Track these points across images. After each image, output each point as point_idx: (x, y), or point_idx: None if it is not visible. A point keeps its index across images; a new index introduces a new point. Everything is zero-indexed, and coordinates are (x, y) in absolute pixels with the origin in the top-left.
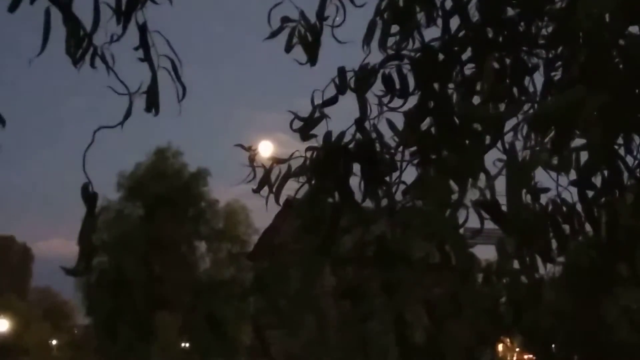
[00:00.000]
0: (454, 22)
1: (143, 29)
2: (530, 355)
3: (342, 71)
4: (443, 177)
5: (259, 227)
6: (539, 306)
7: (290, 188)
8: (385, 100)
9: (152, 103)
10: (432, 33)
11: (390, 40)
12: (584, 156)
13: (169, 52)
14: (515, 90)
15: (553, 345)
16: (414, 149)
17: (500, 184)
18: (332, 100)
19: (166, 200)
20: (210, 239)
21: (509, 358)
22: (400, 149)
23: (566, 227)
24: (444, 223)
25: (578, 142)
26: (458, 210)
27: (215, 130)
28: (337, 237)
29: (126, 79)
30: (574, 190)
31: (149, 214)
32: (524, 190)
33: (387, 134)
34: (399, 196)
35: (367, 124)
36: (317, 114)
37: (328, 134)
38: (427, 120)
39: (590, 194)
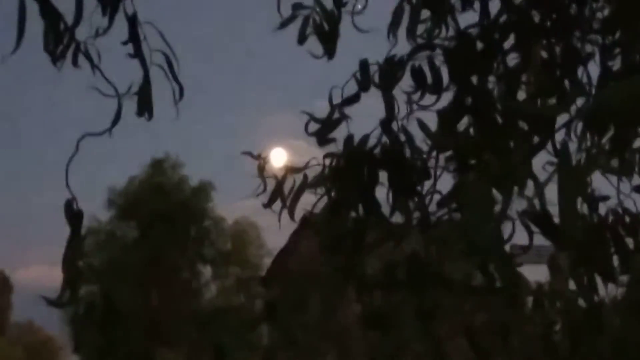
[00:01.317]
0: (494, 5)
1: (133, 21)
2: None
3: (364, 64)
4: (484, 185)
5: (272, 248)
6: (599, 334)
7: (307, 202)
8: (415, 97)
9: (145, 106)
10: (468, 18)
11: (420, 28)
12: None
13: (163, 47)
14: (566, 82)
15: None
16: (449, 153)
17: (552, 192)
18: (354, 99)
19: (164, 219)
20: (216, 263)
21: None
22: (434, 153)
23: (629, 241)
24: (486, 239)
25: None
26: (502, 223)
27: (220, 137)
28: (363, 257)
29: (115, 79)
30: (638, 197)
31: (145, 235)
32: (580, 199)
33: (418, 137)
34: (433, 208)
35: (394, 125)
36: (336, 115)
37: (349, 138)
38: (465, 120)
39: None
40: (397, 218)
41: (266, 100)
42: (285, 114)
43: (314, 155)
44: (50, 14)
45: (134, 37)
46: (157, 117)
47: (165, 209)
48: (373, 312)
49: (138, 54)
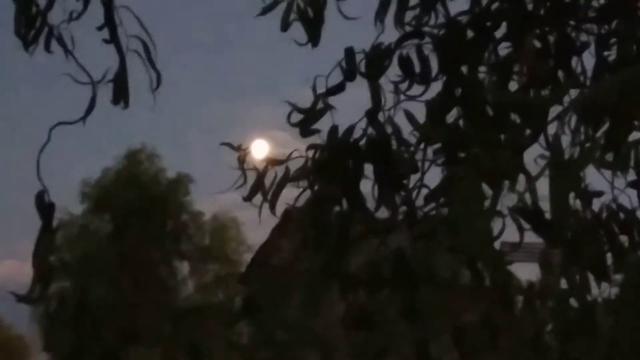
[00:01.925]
0: None
1: (108, 5)
2: None
3: (350, 53)
4: (473, 180)
5: (252, 244)
6: (592, 334)
7: (289, 196)
8: (403, 87)
9: (120, 94)
10: (459, 5)
11: (409, 15)
12: None
13: (140, 32)
14: (560, 73)
15: None
16: (438, 145)
17: (543, 187)
18: (339, 88)
19: (140, 213)
20: (194, 259)
21: None
22: (422, 146)
23: (624, 238)
24: (475, 235)
25: (637, 135)
26: (492, 219)
27: (199, 127)
28: (346, 254)
29: (89, 66)
30: (633, 193)
31: (120, 230)
32: (572, 194)
33: (406, 128)
34: (420, 203)
35: (380, 116)
36: (320, 105)
37: (334, 129)
38: (454, 111)
39: None
40: (383, 213)
41: (247, 89)
42: (267, 104)
43: (297, 147)
44: None
45: (109, 22)
46: (133, 106)
47: (140, 203)
48: (357, 311)
49: (114, 39)
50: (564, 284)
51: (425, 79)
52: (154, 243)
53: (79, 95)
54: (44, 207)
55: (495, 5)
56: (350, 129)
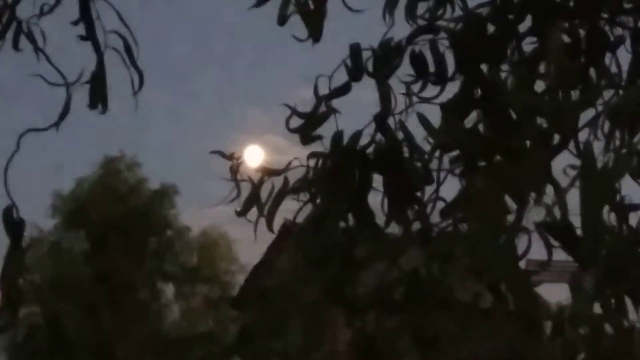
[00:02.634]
0: None
1: None
2: None
3: (356, 49)
4: (496, 192)
5: (246, 264)
6: None
7: (288, 209)
8: (416, 88)
9: (98, 96)
10: None
11: (422, 7)
12: None
13: (119, 27)
14: (592, 72)
15: None
16: (455, 153)
17: (574, 199)
18: (343, 89)
19: (119, 229)
20: (180, 280)
21: None
22: (437, 154)
23: None
24: (497, 254)
25: None
26: (517, 236)
27: (185, 133)
28: (353, 275)
29: (63, 66)
30: None
31: (96, 248)
32: (606, 208)
33: (419, 134)
34: (435, 218)
35: (391, 121)
36: (322, 109)
37: (338, 135)
38: (473, 115)
39: None
40: (394, 229)
41: (240, 91)
42: (262, 106)
43: (297, 155)
44: None
45: (85, 16)
46: (112, 110)
47: (119, 217)
48: (365, 339)
49: (90, 35)
50: (597, 308)
51: (440, 79)
52: (135, 263)
53: (52, 99)
54: (13, 223)
55: None
56: (357, 135)
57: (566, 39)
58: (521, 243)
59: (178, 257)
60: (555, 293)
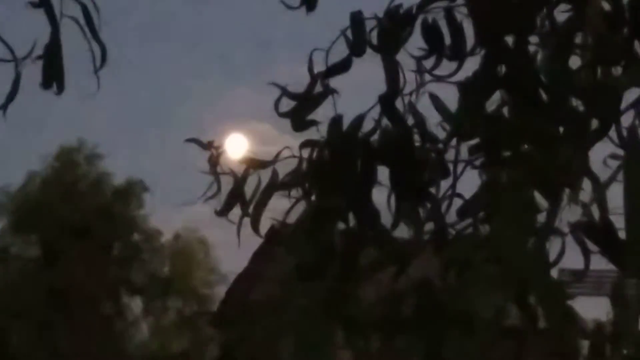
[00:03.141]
0: None
1: None
2: None
3: (358, 19)
4: (523, 187)
5: (228, 273)
6: None
7: (277, 208)
8: (428, 64)
9: (52, 74)
10: None
11: None
12: None
13: None
14: (637, 45)
15: None
16: (475, 141)
17: (616, 196)
18: (343, 66)
19: (77, 232)
20: (149, 293)
21: None
22: (454, 142)
23: None
24: (526, 261)
25: None
26: (548, 239)
27: (155, 119)
28: (354, 286)
29: (12, 39)
30: None
31: (50, 255)
32: None
33: (432, 119)
34: (452, 218)
35: (399, 103)
36: (318, 88)
37: (337, 120)
38: (496, 96)
39: None
40: (402, 231)
41: (221, 68)
42: (246, 86)
43: (287, 144)
44: None
45: None
46: (68, 90)
47: (77, 218)
48: None
49: (43, 2)
50: None
51: (457, 54)
52: (96, 272)
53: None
54: None
55: None
56: (359, 120)
57: (606, 5)
58: (553, 248)
59: (147, 265)
60: (592, 308)
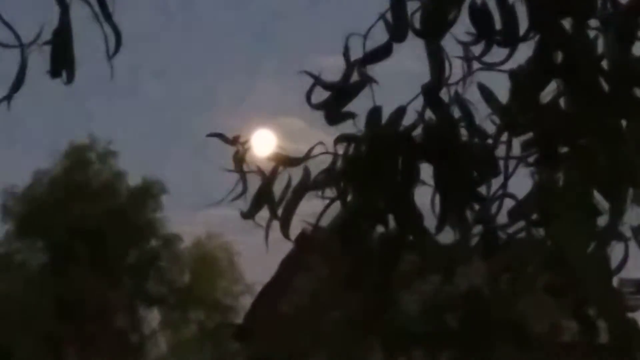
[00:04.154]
0: None
1: None
2: None
3: (399, 1)
4: (582, 186)
5: (254, 282)
6: None
7: (309, 210)
8: (477, 50)
9: (62, 61)
10: None
11: None
12: None
13: None
14: None
15: None
16: (528, 136)
17: None
18: (383, 52)
19: (88, 237)
20: (168, 304)
21: None
22: (505, 136)
23: None
24: (585, 268)
25: None
26: (610, 245)
27: (175, 112)
28: (394, 296)
29: (18, 24)
30: None
31: (58, 262)
32: None
33: (481, 111)
34: (503, 220)
35: (444, 94)
36: (355, 78)
37: (375, 113)
38: (552, 86)
39: None
40: (448, 236)
41: (247, 58)
42: (274, 77)
43: (320, 139)
44: None
45: None
46: (80, 79)
47: (88, 222)
48: None
49: None
50: None
51: (509, 39)
52: (109, 281)
53: (2, 65)
54: None
55: None
56: (400, 112)
57: None
58: (615, 254)
59: (165, 274)
60: None
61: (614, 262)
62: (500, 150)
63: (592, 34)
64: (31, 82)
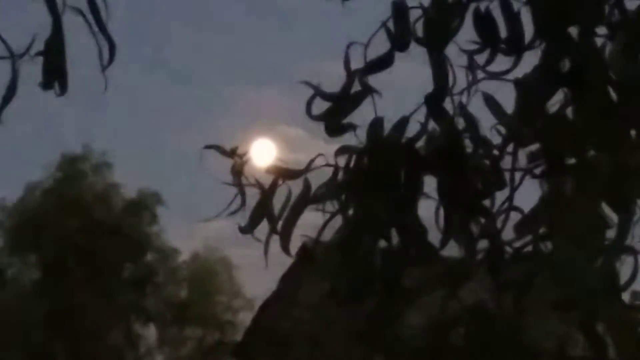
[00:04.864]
0: None
1: None
2: None
3: (401, 8)
4: (590, 199)
5: (254, 298)
6: None
7: (310, 224)
8: (481, 59)
9: (54, 73)
10: None
11: None
12: None
13: None
14: None
15: None
16: (535, 147)
17: None
18: (384, 62)
19: (82, 252)
20: (165, 321)
21: None
22: (511, 148)
23: None
24: (593, 283)
25: None
26: (618, 258)
27: (172, 123)
28: (398, 312)
29: (9, 35)
30: None
31: (51, 277)
32: None
33: (486, 121)
34: (509, 234)
35: (448, 104)
36: (356, 88)
37: (377, 124)
38: (559, 95)
39: None
40: (452, 250)
41: (246, 68)
42: (273, 87)
43: (320, 151)
44: None
45: None
46: (73, 91)
47: (82, 236)
48: None
49: None
50: None
51: (514, 47)
52: (104, 297)
53: None
54: None
55: None
56: (402, 123)
57: None
58: (624, 269)
59: (161, 289)
60: None
61: (624, 277)
62: (506, 162)
63: (599, 41)
64: (23, 91)
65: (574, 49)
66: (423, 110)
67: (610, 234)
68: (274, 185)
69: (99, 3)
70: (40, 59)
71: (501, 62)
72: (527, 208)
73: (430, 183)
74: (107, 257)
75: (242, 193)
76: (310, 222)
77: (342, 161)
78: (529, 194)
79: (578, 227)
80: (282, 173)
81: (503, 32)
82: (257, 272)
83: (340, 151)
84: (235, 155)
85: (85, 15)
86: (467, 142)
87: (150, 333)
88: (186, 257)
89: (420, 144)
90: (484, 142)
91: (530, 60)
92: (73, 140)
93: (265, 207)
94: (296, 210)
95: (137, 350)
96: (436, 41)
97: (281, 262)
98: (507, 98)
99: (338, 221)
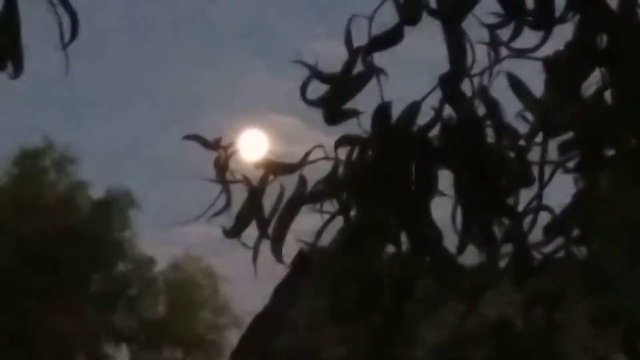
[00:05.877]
0: None
1: None
2: None
3: None
4: (632, 195)
5: (242, 313)
6: None
7: (306, 227)
8: (505, 35)
9: (8, 52)
10: None
11: None
12: None
13: None
14: None
15: None
16: (567, 136)
17: None
18: (392, 37)
19: (43, 260)
20: (139, 340)
21: None
22: (539, 137)
23: None
24: (635, 295)
25: None
26: None
27: (147, 112)
28: (408, 327)
29: None
30: None
31: (7, 291)
32: None
33: (511, 106)
34: (537, 237)
35: (466, 86)
36: (359, 68)
37: (383, 110)
38: (595, 75)
39: None
40: (472, 257)
41: (233, 48)
42: (263, 71)
43: (318, 142)
44: None
45: None
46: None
47: (42, 243)
48: None
49: None
50: None
51: (544, 20)
52: (69, 313)
53: None
54: None
55: None
56: (413, 109)
57: None
58: None
59: (135, 304)
60: None
61: None
62: (534, 154)
63: None
64: None
65: (613, 22)
66: (437, 93)
67: None
68: (264, 182)
69: None
70: None
71: (528, 38)
72: (558, 207)
73: (445, 179)
74: (71, 267)
75: (228, 191)
76: (307, 224)
77: (343, 154)
78: (561, 191)
79: (617, 229)
80: (274, 168)
81: (530, 3)
82: (246, 284)
83: (341, 142)
84: (220, 147)
85: None
86: (489, 131)
87: (122, 355)
88: (163, 267)
89: (433, 133)
90: (509, 131)
91: (562, 35)
92: (34, 134)
93: (254, 208)
94: (290, 210)
95: None
96: (452, 13)
97: (273, 272)
98: (535, 79)
99: (338, 224)
